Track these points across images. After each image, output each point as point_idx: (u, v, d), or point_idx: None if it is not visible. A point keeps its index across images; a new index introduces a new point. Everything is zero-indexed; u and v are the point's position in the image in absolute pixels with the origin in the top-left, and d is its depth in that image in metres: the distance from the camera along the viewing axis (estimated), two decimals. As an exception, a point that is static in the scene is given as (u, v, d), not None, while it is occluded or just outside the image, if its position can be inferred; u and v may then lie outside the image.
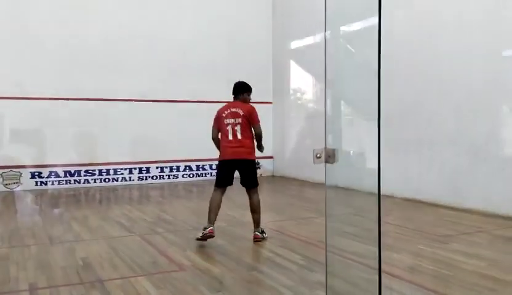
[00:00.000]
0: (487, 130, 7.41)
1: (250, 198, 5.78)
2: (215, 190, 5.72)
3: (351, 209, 5.75)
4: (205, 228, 5.42)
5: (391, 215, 7.11)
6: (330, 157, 2.22)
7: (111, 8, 11.11)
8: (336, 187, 5.68)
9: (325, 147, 2.19)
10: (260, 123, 5.78)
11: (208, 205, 5.63)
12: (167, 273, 4.50)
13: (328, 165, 2.60)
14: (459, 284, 4.17)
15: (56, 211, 8.49)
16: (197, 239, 5.48)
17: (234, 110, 5.73)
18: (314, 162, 2.16)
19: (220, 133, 5.78)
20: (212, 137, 5.83)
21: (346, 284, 3.95)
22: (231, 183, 5.75)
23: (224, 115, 5.74)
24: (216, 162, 6.00)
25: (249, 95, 5.99)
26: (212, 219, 5.52)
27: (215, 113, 5.88)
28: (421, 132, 8.42)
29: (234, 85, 5.98)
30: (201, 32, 11.91)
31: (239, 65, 12.21)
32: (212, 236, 5.44)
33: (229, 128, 5.66)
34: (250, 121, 5.69)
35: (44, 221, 7.24)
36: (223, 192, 5.72)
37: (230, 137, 5.66)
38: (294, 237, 5.97)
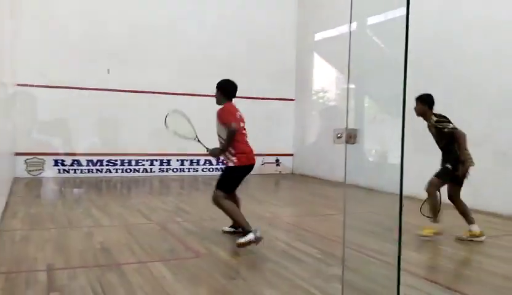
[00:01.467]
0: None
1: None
2: (226, 196, 5.17)
3: (372, 208, 5.68)
4: (254, 232, 4.88)
5: (412, 216, 6.98)
6: (351, 137, 2.15)
7: (134, 1, 11.20)
8: (357, 187, 5.62)
9: (347, 127, 2.13)
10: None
11: (230, 211, 5.11)
12: (183, 260, 4.50)
13: (349, 163, 2.54)
14: (482, 284, 4.05)
15: (75, 190, 8.60)
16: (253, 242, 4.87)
17: (240, 114, 5.39)
18: (334, 142, 2.11)
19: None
20: (235, 129, 5.12)
21: (362, 279, 3.88)
22: None
23: (238, 117, 5.32)
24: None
25: None
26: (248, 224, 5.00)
27: (229, 109, 5.32)
28: (446, 133, 8.23)
29: (233, 85, 5.47)
30: (223, 27, 11.90)
31: (261, 61, 12.20)
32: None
33: (244, 131, 5.32)
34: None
35: (64, 206, 7.32)
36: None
37: (246, 140, 5.30)
38: (311, 232, 5.91)
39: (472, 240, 5.42)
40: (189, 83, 11.39)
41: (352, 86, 5.05)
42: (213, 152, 5.40)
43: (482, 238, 5.44)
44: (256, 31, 12.18)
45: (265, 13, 12.33)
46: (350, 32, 2.63)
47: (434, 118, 5.65)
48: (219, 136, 5.34)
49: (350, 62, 2.60)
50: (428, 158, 8.43)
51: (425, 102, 5.71)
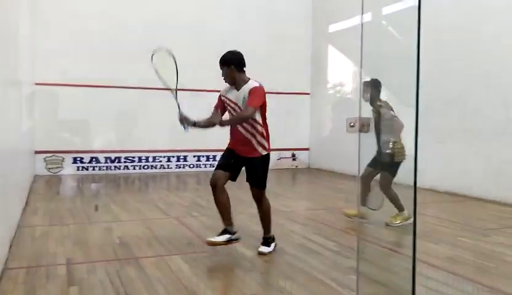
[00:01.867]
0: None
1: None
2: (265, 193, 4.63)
3: (387, 200, 5.63)
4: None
5: (431, 208, 6.91)
6: (364, 126, 2.13)
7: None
8: (373, 180, 5.58)
9: (360, 116, 2.11)
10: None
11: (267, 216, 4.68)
12: (200, 253, 4.52)
13: (364, 154, 2.51)
14: (502, 275, 3.99)
15: (93, 185, 8.71)
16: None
17: None
18: (347, 131, 2.08)
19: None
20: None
21: (378, 270, 3.86)
22: None
23: None
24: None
25: None
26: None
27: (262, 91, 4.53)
28: (467, 122, 8.09)
29: (241, 55, 4.73)
30: (240, 21, 11.89)
31: (276, 56, 12.16)
32: None
33: None
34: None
35: (83, 203, 7.42)
36: None
37: None
38: (328, 225, 5.88)
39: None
40: (208, 79, 11.39)
41: (367, 77, 5.01)
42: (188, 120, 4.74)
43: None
44: (271, 25, 12.14)
45: (279, 7, 12.28)
46: (362, 23, 2.60)
47: (379, 104, 5.41)
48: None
49: (363, 53, 2.58)
50: (449, 150, 8.36)
51: (374, 87, 5.47)
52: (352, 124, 2.09)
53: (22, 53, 6.89)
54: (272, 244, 4.63)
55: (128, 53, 10.87)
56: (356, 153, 2.65)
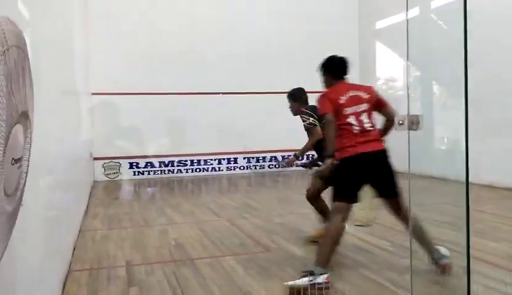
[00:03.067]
0: None
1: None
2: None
3: (442, 198, 5.48)
4: None
5: (488, 204, 6.65)
6: (413, 123, 2.10)
7: (195, 3, 11.48)
8: (427, 177, 5.46)
9: (408, 113, 2.09)
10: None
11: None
12: (253, 254, 4.59)
13: (413, 152, 2.46)
14: None
15: (149, 190, 9.00)
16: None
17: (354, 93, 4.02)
18: (395, 129, 2.07)
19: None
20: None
21: (433, 269, 3.77)
22: None
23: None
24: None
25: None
26: None
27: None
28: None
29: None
30: (282, 21, 11.90)
31: (321, 54, 12.03)
32: None
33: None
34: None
35: (140, 207, 7.69)
36: None
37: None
38: (381, 225, 5.78)
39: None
40: (255, 80, 11.52)
41: (417, 73, 4.91)
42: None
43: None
44: (316, 23, 12.06)
45: (324, 4, 12.19)
46: (407, 19, 2.57)
47: (304, 113, 4.90)
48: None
49: (411, 48, 2.55)
50: (503, 146, 8.02)
51: (295, 99, 5.08)
52: (401, 122, 2.05)
53: (78, 65, 7.23)
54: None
55: (178, 60, 11.16)
56: (405, 152, 2.62)
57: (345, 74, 4.20)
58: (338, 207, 3.82)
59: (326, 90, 4.13)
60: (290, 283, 3.52)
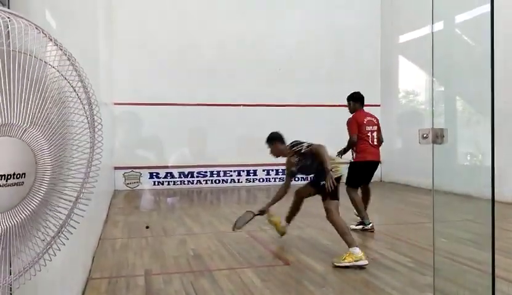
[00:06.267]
0: None
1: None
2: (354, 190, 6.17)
3: (465, 215, 5.38)
4: (368, 224, 6.13)
5: (513, 222, 6.49)
6: (438, 137, 2.07)
7: (221, 18, 11.58)
8: (450, 193, 5.37)
9: (432, 127, 2.05)
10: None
11: (355, 204, 6.15)
12: (271, 267, 4.56)
13: (438, 168, 2.42)
14: None
15: (169, 199, 9.03)
16: (363, 229, 6.13)
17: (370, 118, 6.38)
18: (419, 142, 2.04)
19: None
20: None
21: (456, 288, 3.68)
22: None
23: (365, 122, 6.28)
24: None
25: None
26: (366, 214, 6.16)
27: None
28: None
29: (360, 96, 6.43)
30: (307, 34, 11.94)
31: (344, 68, 12.06)
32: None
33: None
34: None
35: (159, 216, 7.73)
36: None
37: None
38: (403, 240, 5.71)
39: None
40: (276, 93, 11.54)
41: (441, 88, 4.85)
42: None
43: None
44: (340, 37, 12.10)
45: (348, 18, 12.18)
46: (432, 32, 2.54)
47: (288, 147, 5.07)
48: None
49: (435, 62, 2.51)
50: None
51: (274, 141, 5.15)
52: (425, 135, 2.02)
53: (101, 75, 7.34)
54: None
55: (198, 72, 11.27)
56: (430, 166, 2.58)
57: (364, 104, 6.41)
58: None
59: (353, 114, 6.31)
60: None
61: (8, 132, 1.32)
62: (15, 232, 1.38)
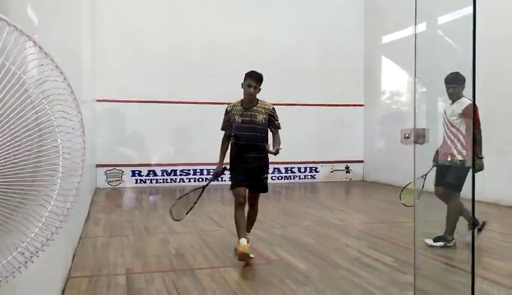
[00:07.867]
0: None
1: None
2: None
3: (445, 214, 5.44)
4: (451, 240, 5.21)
5: (496, 223, 6.60)
6: (419, 137, 2.08)
7: (211, 18, 11.48)
8: (431, 193, 5.43)
9: (414, 127, 2.07)
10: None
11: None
12: (254, 266, 4.55)
13: (420, 166, 2.45)
14: None
15: (151, 197, 8.96)
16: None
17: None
18: (401, 142, 2.05)
19: None
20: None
21: (437, 286, 3.73)
22: None
23: None
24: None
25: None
26: None
27: None
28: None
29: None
30: (296, 39, 11.91)
31: (329, 68, 12.12)
32: None
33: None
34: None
35: (141, 215, 7.66)
36: None
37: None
38: (385, 239, 5.76)
39: None
40: (261, 92, 11.50)
41: (423, 89, 4.91)
42: None
43: None
44: (324, 38, 12.13)
45: (331, 19, 12.23)
46: (415, 34, 2.56)
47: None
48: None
49: (418, 63, 2.54)
50: (509, 164, 7.96)
51: (261, 83, 5.39)
52: (407, 135, 2.04)
53: (83, 71, 7.25)
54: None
55: (183, 70, 11.19)
56: (411, 166, 2.60)
57: None
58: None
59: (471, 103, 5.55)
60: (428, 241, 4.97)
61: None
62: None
